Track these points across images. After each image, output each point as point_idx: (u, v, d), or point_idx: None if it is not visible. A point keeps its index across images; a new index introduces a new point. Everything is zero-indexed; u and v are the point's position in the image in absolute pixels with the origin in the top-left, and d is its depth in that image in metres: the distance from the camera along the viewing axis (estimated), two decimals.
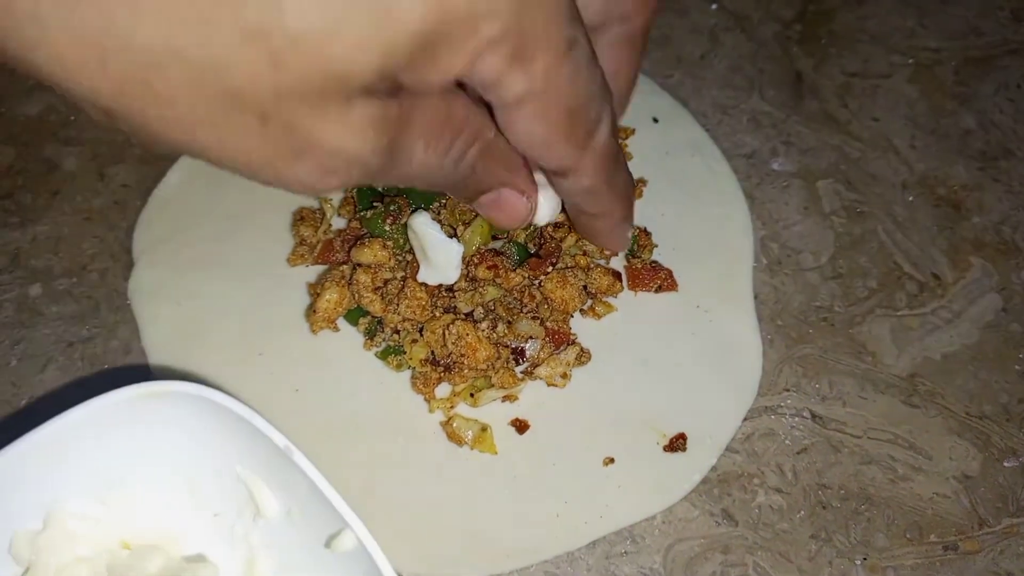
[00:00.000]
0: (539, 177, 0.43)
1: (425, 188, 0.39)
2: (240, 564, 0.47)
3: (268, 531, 0.46)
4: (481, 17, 0.30)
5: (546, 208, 0.45)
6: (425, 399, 0.55)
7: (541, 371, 0.55)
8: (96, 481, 0.45)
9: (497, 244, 0.58)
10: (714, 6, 0.77)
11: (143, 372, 0.58)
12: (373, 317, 0.56)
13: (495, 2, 0.30)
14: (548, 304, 0.56)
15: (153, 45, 0.26)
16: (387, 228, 0.56)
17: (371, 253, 0.55)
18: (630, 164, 0.65)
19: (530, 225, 0.49)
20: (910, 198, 0.67)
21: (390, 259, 0.56)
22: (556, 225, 0.58)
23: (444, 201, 0.58)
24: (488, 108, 0.36)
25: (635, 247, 0.60)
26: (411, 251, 0.56)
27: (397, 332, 0.56)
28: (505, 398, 0.56)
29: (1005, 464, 0.56)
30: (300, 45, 0.27)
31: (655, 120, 0.68)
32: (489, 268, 0.55)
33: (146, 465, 0.46)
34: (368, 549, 0.40)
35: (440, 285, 0.55)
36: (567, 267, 0.57)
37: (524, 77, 0.33)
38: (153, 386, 0.43)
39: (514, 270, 0.56)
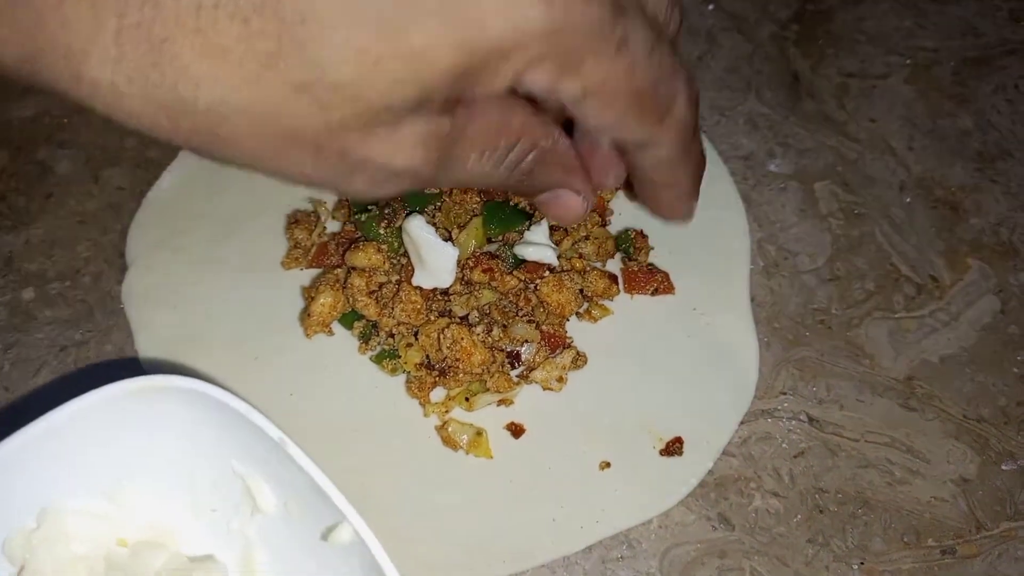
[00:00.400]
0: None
1: (479, 188, 0.40)
2: (238, 560, 0.46)
3: (265, 526, 0.45)
4: (513, 49, 0.30)
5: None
6: (420, 403, 0.55)
7: (537, 375, 0.55)
8: (92, 478, 0.45)
9: (492, 247, 0.57)
10: (711, 7, 0.77)
11: (136, 369, 0.57)
12: (368, 321, 0.56)
13: (525, 34, 0.30)
14: (544, 307, 0.56)
15: (213, 106, 0.30)
16: (382, 231, 0.56)
17: (366, 256, 0.55)
18: None
19: None
20: (908, 200, 0.66)
21: (385, 262, 0.56)
22: (552, 228, 0.58)
23: (439, 204, 0.58)
24: None
25: (631, 250, 0.60)
26: (406, 254, 0.56)
27: (392, 336, 0.56)
28: (500, 402, 0.55)
29: (1003, 467, 0.56)
30: (342, 91, 0.30)
31: None
32: (484, 271, 0.55)
33: (143, 462, 0.45)
34: (365, 541, 0.40)
35: (435, 289, 0.55)
36: (563, 270, 0.57)
37: (577, 82, 0.33)
38: (148, 380, 0.42)
39: (510, 273, 0.56)
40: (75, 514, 0.45)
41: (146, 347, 0.58)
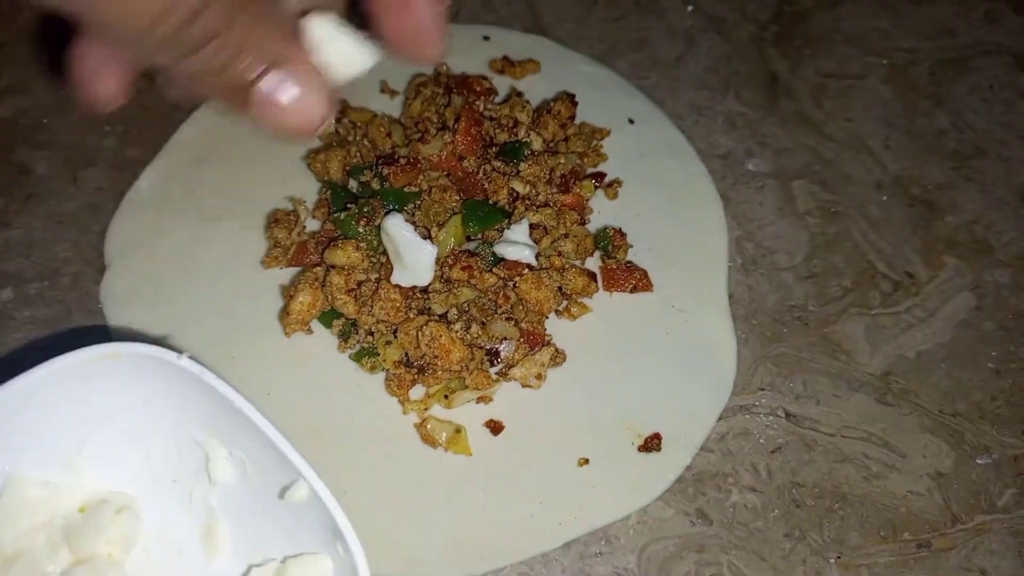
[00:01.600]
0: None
1: (141, 49, 0.29)
2: (199, 528, 0.46)
3: (226, 492, 0.46)
4: None
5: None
6: (399, 401, 0.55)
7: (516, 372, 0.55)
8: (51, 449, 0.45)
9: (471, 245, 0.58)
10: (690, 8, 0.77)
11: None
12: (347, 319, 0.56)
13: None
14: (523, 305, 0.56)
15: None
16: (361, 230, 0.56)
17: (344, 255, 0.55)
18: (605, 165, 0.65)
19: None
20: (884, 198, 0.67)
21: (364, 261, 0.56)
22: (532, 226, 0.58)
23: (418, 203, 0.58)
24: None
25: (610, 247, 0.60)
26: (385, 253, 0.56)
27: (371, 334, 0.56)
28: (479, 399, 0.56)
29: (978, 461, 0.56)
30: None
31: (631, 121, 0.68)
32: (464, 269, 0.55)
33: (104, 431, 0.45)
34: (320, 496, 0.40)
35: (414, 287, 0.55)
36: (542, 268, 0.57)
37: None
38: (103, 348, 0.42)
39: (489, 271, 0.56)
40: (35, 485, 0.45)
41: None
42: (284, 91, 0.31)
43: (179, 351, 0.42)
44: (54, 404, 0.43)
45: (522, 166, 0.60)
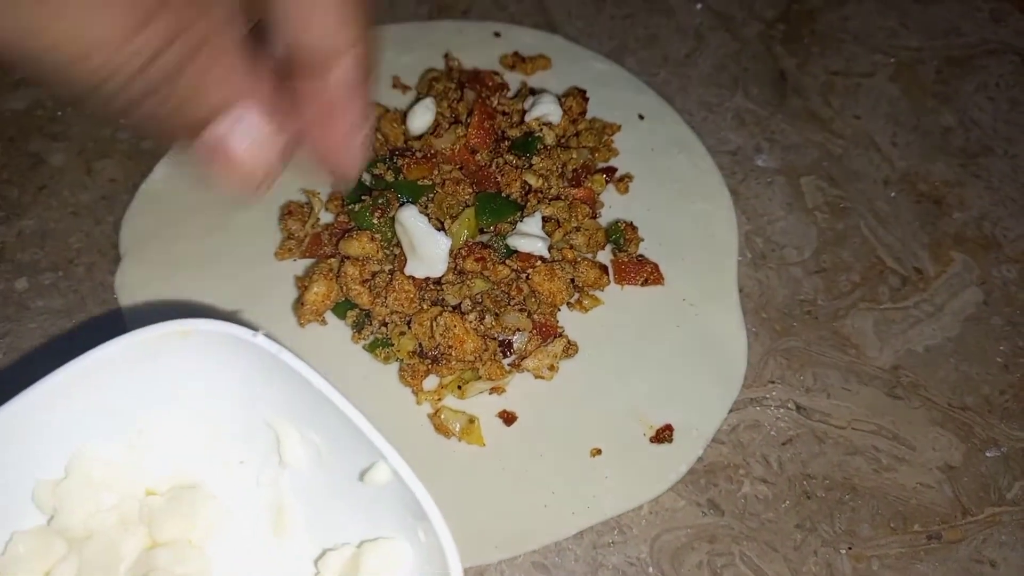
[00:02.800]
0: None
1: (102, 92, 0.27)
2: (267, 511, 0.45)
3: (297, 476, 0.44)
4: None
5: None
6: (413, 391, 0.55)
7: (528, 363, 0.56)
8: (118, 426, 0.43)
9: (484, 237, 0.58)
10: (699, 6, 0.78)
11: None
12: (361, 310, 0.57)
13: None
14: (536, 297, 0.56)
15: None
16: (375, 221, 0.56)
17: (359, 246, 0.56)
18: (616, 160, 0.66)
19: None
20: (892, 194, 0.68)
21: (378, 252, 0.56)
22: (545, 219, 0.59)
23: (432, 195, 0.58)
24: None
25: (621, 241, 0.61)
26: (399, 244, 0.56)
27: (385, 325, 0.56)
28: (492, 390, 0.56)
29: (987, 454, 0.56)
30: None
31: (641, 117, 0.69)
32: (477, 260, 0.56)
33: (169, 410, 0.44)
34: (404, 478, 0.38)
35: (428, 278, 0.56)
36: (554, 261, 0.57)
37: None
38: (174, 325, 0.41)
39: (502, 262, 0.56)
40: (101, 463, 0.43)
41: None
42: (236, 137, 0.29)
43: (254, 328, 0.40)
44: (117, 383, 0.42)
45: (534, 160, 0.60)
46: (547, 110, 0.62)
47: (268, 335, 0.40)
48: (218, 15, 0.27)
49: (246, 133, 0.29)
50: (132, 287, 0.60)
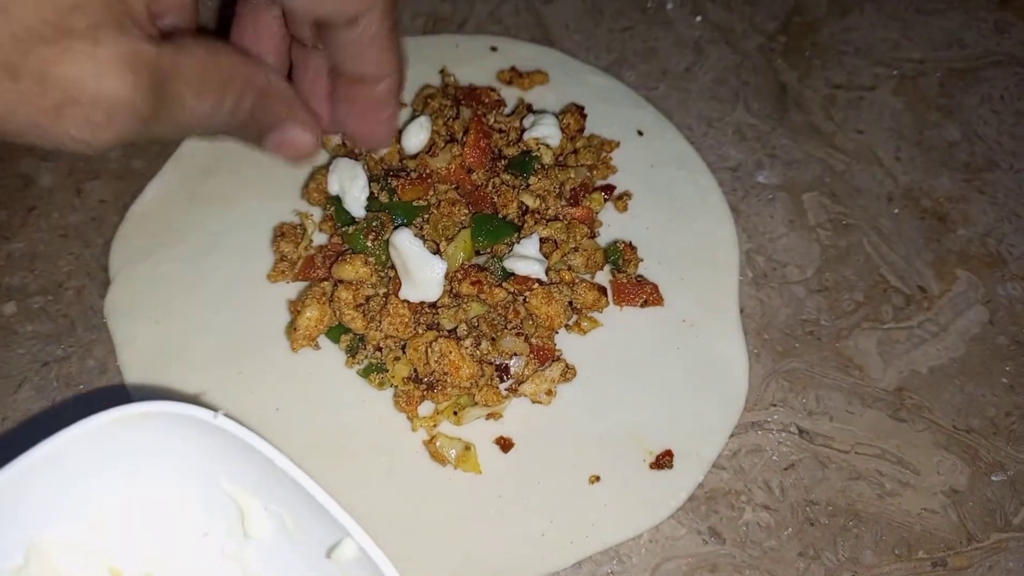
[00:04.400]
0: None
1: (207, 135, 0.40)
2: None
3: (262, 548, 0.44)
4: None
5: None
6: (408, 418, 0.54)
7: (526, 388, 0.55)
8: (79, 509, 0.44)
9: (480, 259, 0.57)
10: (698, 18, 0.77)
11: (120, 392, 0.56)
12: (355, 334, 0.56)
13: None
14: (533, 320, 0.55)
15: None
16: (369, 244, 0.55)
17: (353, 269, 0.55)
18: (615, 178, 0.65)
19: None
20: (895, 210, 0.66)
21: (372, 275, 0.55)
22: (542, 240, 0.58)
23: (427, 216, 0.57)
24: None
25: (620, 262, 0.60)
26: (393, 267, 0.55)
27: (379, 349, 0.55)
28: (489, 416, 0.55)
29: (993, 478, 0.55)
30: None
31: (640, 133, 0.68)
32: (473, 284, 0.55)
33: (130, 489, 0.44)
34: (371, 556, 0.39)
35: (423, 301, 0.55)
36: (552, 283, 0.56)
37: None
38: (131, 408, 0.41)
39: (499, 285, 0.55)
40: (63, 547, 0.43)
41: (129, 362, 0.57)
42: (287, 141, 0.44)
43: (213, 408, 0.41)
44: (77, 466, 0.42)
45: (532, 179, 0.59)
46: (546, 132, 0.61)
47: (227, 414, 0.41)
48: (264, 70, 0.41)
49: (298, 132, 0.44)
50: (121, 310, 0.59)
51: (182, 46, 0.35)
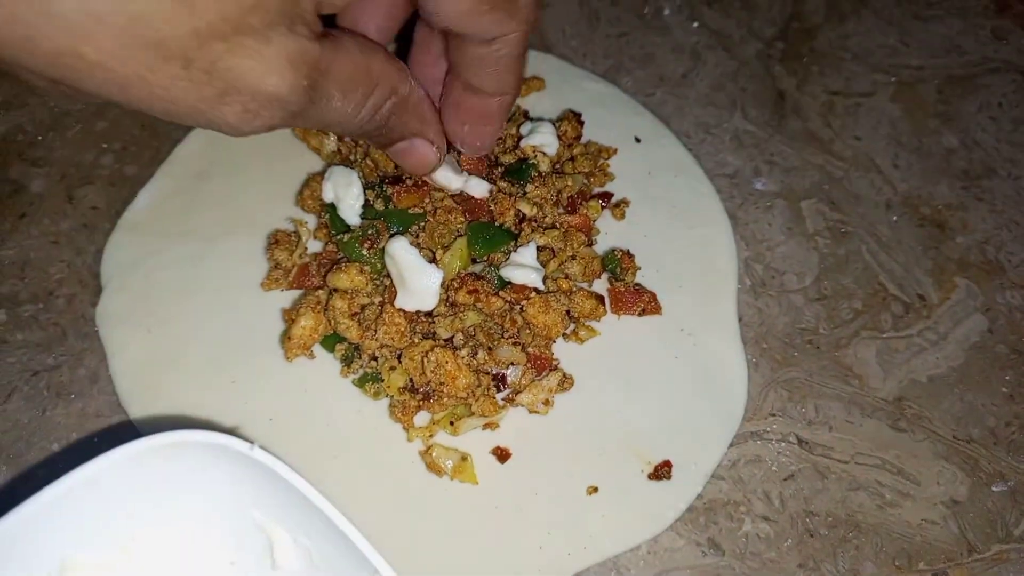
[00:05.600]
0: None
1: (341, 134, 0.44)
2: None
3: None
4: None
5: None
6: (403, 428, 0.54)
7: (523, 398, 0.54)
8: (110, 533, 0.44)
9: (477, 268, 0.56)
10: (696, 24, 0.76)
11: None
12: (350, 344, 0.55)
13: None
14: (530, 329, 0.55)
15: (71, 13, 0.28)
16: (364, 252, 0.55)
17: (348, 278, 0.54)
18: (612, 185, 0.64)
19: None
20: (894, 218, 0.66)
21: (367, 284, 0.54)
22: (539, 248, 0.57)
23: (423, 225, 0.57)
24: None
25: (618, 270, 0.59)
26: (389, 276, 0.55)
27: (375, 359, 0.54)
28: (486, 426, 0.54)
29: (993, 489, 0.55)
30: None
31: (637, 140, 0.67)
32: (470, 292, 0.54)
33: (161, 515, 0.45)
34: None
35: (419, 310, 0.54)
36: (549, 291, 0.56)
37: None
38: (169, 437, 0.42)
39: (495, 294, 0.55)
40: (94, 569, 0.44)
41: (120, 371, 0.56)
42: (414, 153, 0.48)
43: (249, 440, 0.42)
44: (111, 491, 0.42)
45: (529, 187, 0.59)
46: (543, 140, 0.60)
47: (263, 447, 0.42)
48: (408, 80, 0.43)
49: (426, 148, 0.48)
50: (113, 318, 0.58)
51: (340, 45, 0.36)
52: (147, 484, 0.43)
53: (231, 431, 0.47)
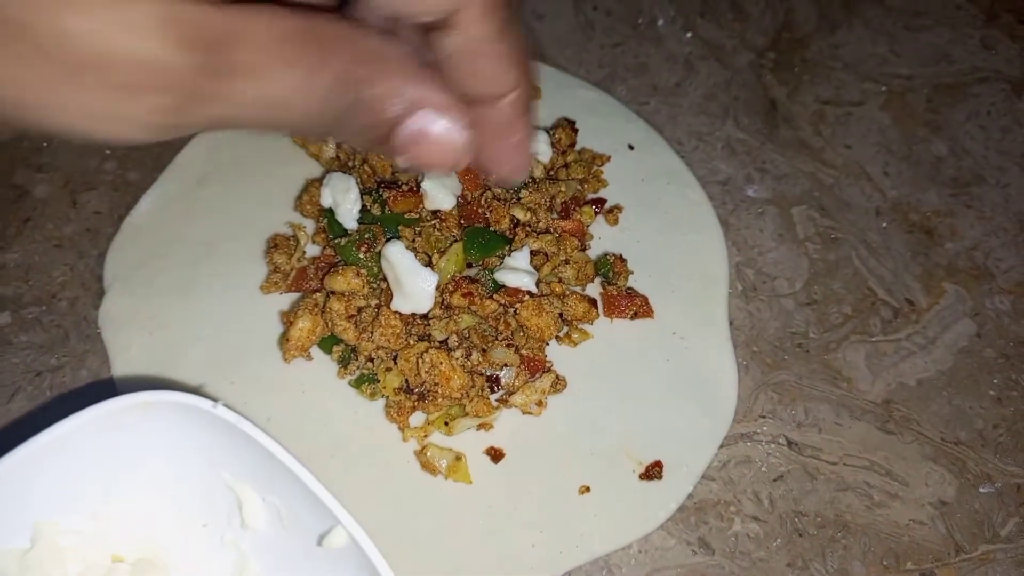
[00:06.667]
0: None
1: (312, 128, 0.31)
2: (231, 571, 0.46)
3: (258, 536, 0.45)
4: None
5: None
6: (399, 428, 0.55)
7: (516, 399, 0.55)
8: (83, 496, 0.44)
9: (472, 272, 0.57)
10: (688, 34, 0.78)
11: (109, 387, 0.57)
12: (347, 345, 0.56)
13: None
14: (523, 331, 0.56)
15: None
16: (361, 256, 0.56)
17: (345, 281, 0.55)
18: (606, 191, 0.65)
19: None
20: (884, 224, 0.67)
21: (364, 287, 0.56)
22: (533, 253, 0.58)
23: (419, 229, 0.58)
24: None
25: (610, 274, 0.60)
26: (385, 279, 0.56)
27: (371, 360, 0.55)
28: (480, 426, 0.55)
29: (981, 490, 0.56)
30: None
31: (631, 147, 0.69)
32: (464, 296, 0.55)
33: (133, 478, 0.45)
34: (359, 543, 0.40)
35: (414, 313, 0.55)
36: (543, 295, 0.57)
37: None
38: (134, 398, 0.42)
39: (490, 297, 0.56)
40: (67, 532, 0.44)
41: (122, 372, 0.57)
42: (425, 137, 0.31)
43: (213, 399, 0.42)
44: (82, 454, 0.43)
45: (523, 193, 0.60)
46: (537, 148, 0.61)
47: (227, 405, 0.42)
48: (376, 36, 0.30)
49: (438, 119, 0.31)
50: (115, 321, 0.59)
51: (253, 8, 0.27)
52: (117, 447, 0.43)
53: (195, 390, 0.47)
